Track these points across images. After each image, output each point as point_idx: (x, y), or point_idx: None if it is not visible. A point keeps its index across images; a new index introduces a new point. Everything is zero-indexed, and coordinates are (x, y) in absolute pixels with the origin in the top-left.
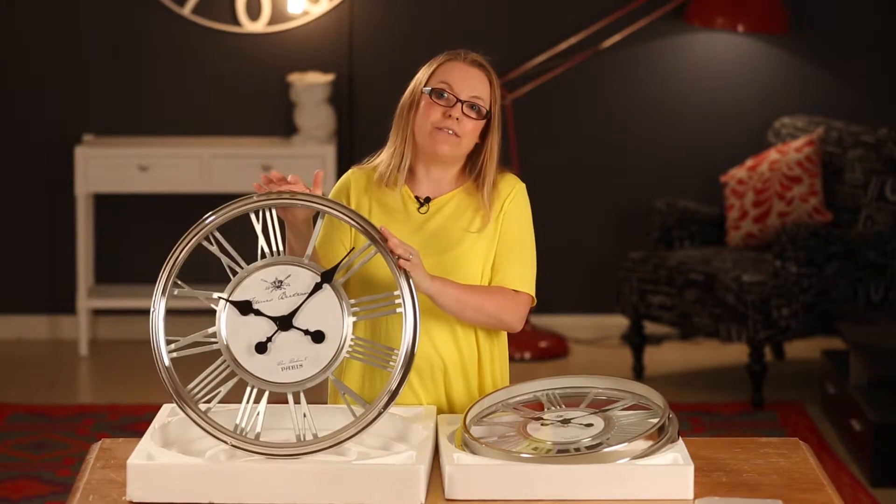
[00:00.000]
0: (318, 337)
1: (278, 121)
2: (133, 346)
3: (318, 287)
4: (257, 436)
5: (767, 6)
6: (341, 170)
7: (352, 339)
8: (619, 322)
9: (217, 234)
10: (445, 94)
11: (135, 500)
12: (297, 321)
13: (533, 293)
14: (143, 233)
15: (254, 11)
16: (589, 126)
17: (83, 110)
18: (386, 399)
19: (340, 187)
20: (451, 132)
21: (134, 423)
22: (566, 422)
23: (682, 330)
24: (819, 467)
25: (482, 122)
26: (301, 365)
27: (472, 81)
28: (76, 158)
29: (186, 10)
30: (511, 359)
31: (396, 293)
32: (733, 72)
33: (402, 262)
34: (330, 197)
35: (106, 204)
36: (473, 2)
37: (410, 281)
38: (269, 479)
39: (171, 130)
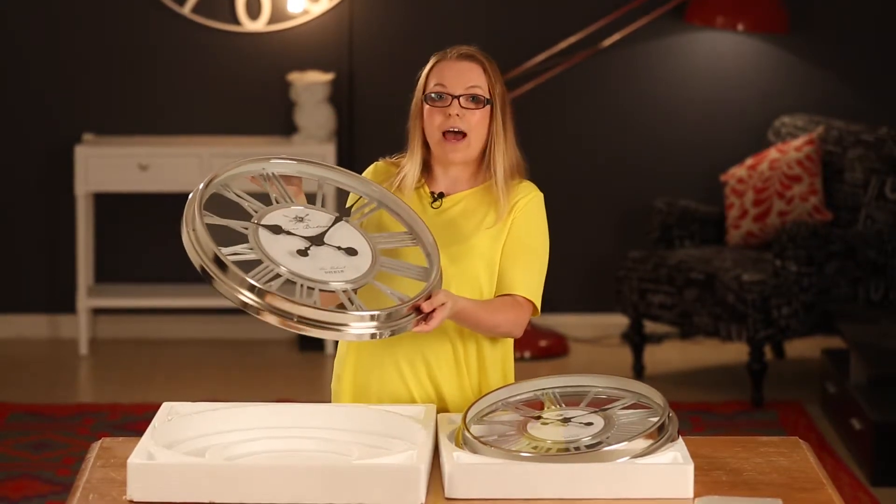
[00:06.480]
0: (351, 251)
1: (278, 120)
2: (133, 346)
3: (337, 220)
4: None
5: (767, 6)
6: None
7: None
8: (620, 321)
9: (232, 186)
10: (442, 96)
11: (135, 500)
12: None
13: (538, 303)
14: (143, 232)
15: (254, 10)
16: (589, 125)
17: (83, 110)
18: (429, 288)
19: (364, 175)
20: (457, 131)
21: (134, 422)
22: (566, 420)
23: (682, 329)
24: (819, 466)
25: (487, 109)
26: (343, 270)
27: (464, 74)
28: (76, 158)
29: (186, 10)
30: None
31: (408, 232)
32: (733, 71)
33: (434, 312)
34: None
35: (106, 203)
36: (473, 1)
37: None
38: (270, 478)
39: (171, 130)
